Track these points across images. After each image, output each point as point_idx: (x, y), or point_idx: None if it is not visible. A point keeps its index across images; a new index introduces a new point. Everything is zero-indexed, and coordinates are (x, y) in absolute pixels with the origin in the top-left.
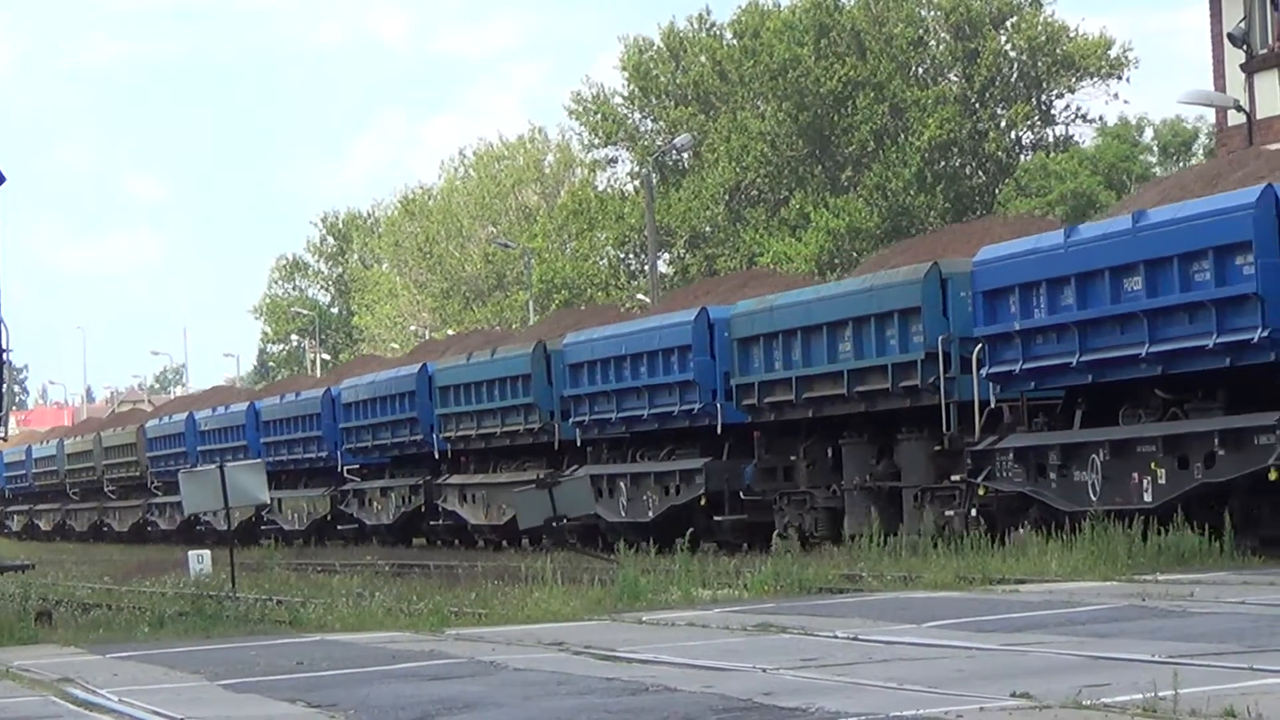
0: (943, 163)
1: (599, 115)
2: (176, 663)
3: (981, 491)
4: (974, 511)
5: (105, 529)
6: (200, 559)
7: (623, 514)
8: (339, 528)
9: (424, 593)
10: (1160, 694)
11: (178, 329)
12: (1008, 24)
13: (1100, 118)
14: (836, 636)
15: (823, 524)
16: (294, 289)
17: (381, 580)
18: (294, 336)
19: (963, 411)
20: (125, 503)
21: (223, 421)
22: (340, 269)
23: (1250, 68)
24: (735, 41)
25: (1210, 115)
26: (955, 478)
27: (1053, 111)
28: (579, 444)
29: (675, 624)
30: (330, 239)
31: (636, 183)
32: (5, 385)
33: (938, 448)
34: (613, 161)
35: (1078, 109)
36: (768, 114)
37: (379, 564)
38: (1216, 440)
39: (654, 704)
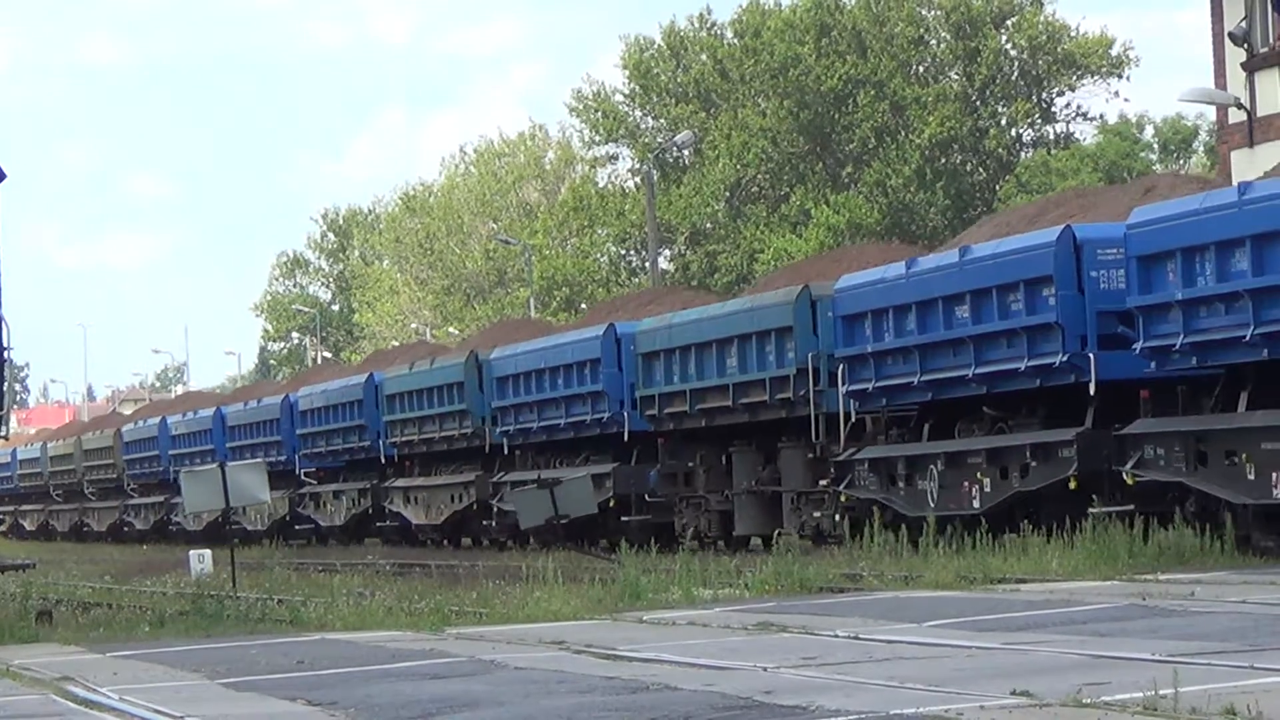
0: (943, 160)
1: (599, 113)
2: (177, 661)
3: (843, 498)
4: (837, 515)
5: (85, 529)
6: (201, 559)
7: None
8: (296, 528)
9: (424, 592)
10: (1161, 692)
11: (179, 327)
12: (1008, 23)
13: (1101, 116)
14: (837, 635)
15: (716, 525)
16: (295, 286)
17: (382, 579)
18: (295, 334)
19: (832, 422)
20: (104, 504)
21: (192, 426)
22: (341, 266)
23: (1251, 66)
24: (736, 41)
25: (1211, 113)
26: (823, 483)
27: (1053, 109)
28: (506, 450)
29: (676, 623)
30: (331, 235)
31: (637, 179)
32: (6, 384)
33: (811, 456)
34: (613, 158)
35: (1078, 107)
36: (768, 111)
37: (380, 563)
38: (1028, 453)
39: (654, 702)
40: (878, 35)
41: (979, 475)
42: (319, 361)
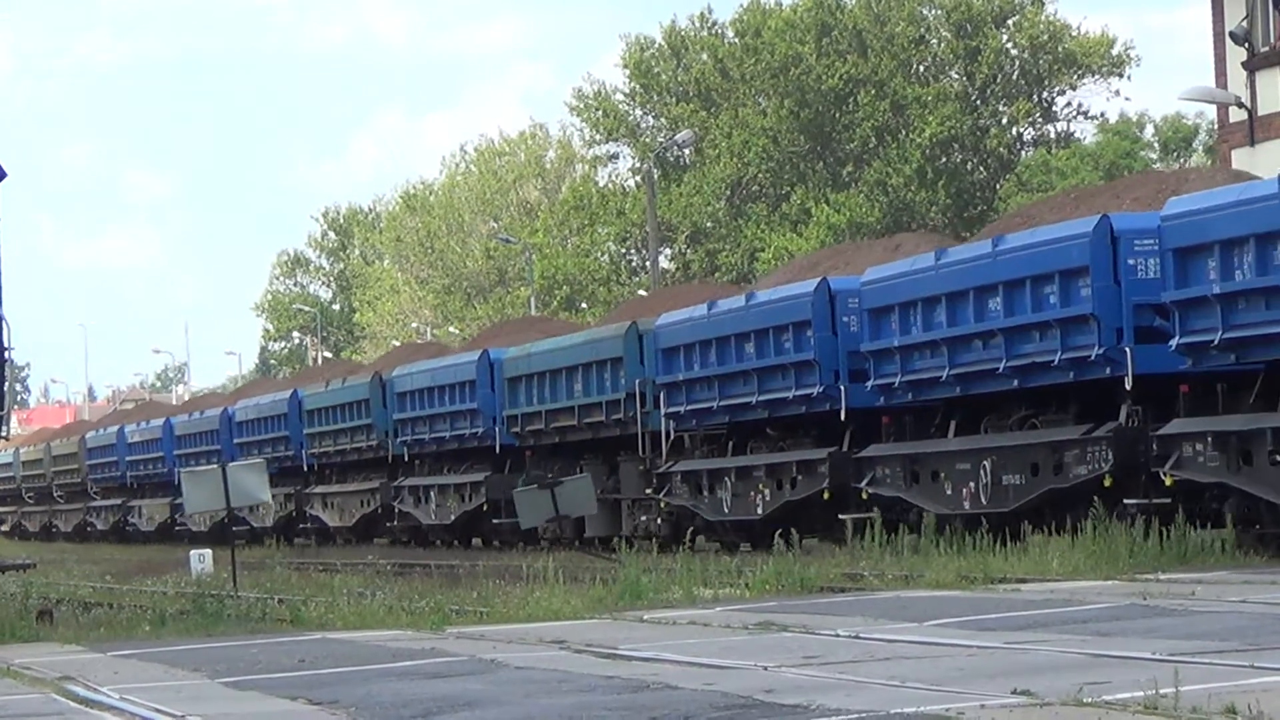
0: (944, 159)
1: (600, 112)
2: (178, 661)
3: (663, 505)
4: (660, 520)
5: (54, 530)
6: (201, 558)
7: (432, 517)
8: (235, 529)
9: (425, 591)
10: (1161, 692)
11: (179, 326)
12: (1009, 22)
13: (1101, 114)
14: (838, 635)
15: (569, 528)
16: (295, 285)
17: (383, 579)
18: (296, 333)
19: (657, 439)
20: (70, 506)
21: (145, 434)
22: (342, 265)
23: (1252, 65)
24: (737, 40)
25: (1211, 112)
26: (649, 491)
27: (1054, 108)
28: (406, 459)
29: (676, 622)
30: (332, 234)
31: (638, 178)
32: (7, 384)
33: (642, 468)
34: (614, 157)
35: (1079, 106)
36: (769, 110)
37: (380, 563)
38: (795, 468)
39: (655, 702)
40: (878, 34)
41: (760, 486)
42: (319, 361)
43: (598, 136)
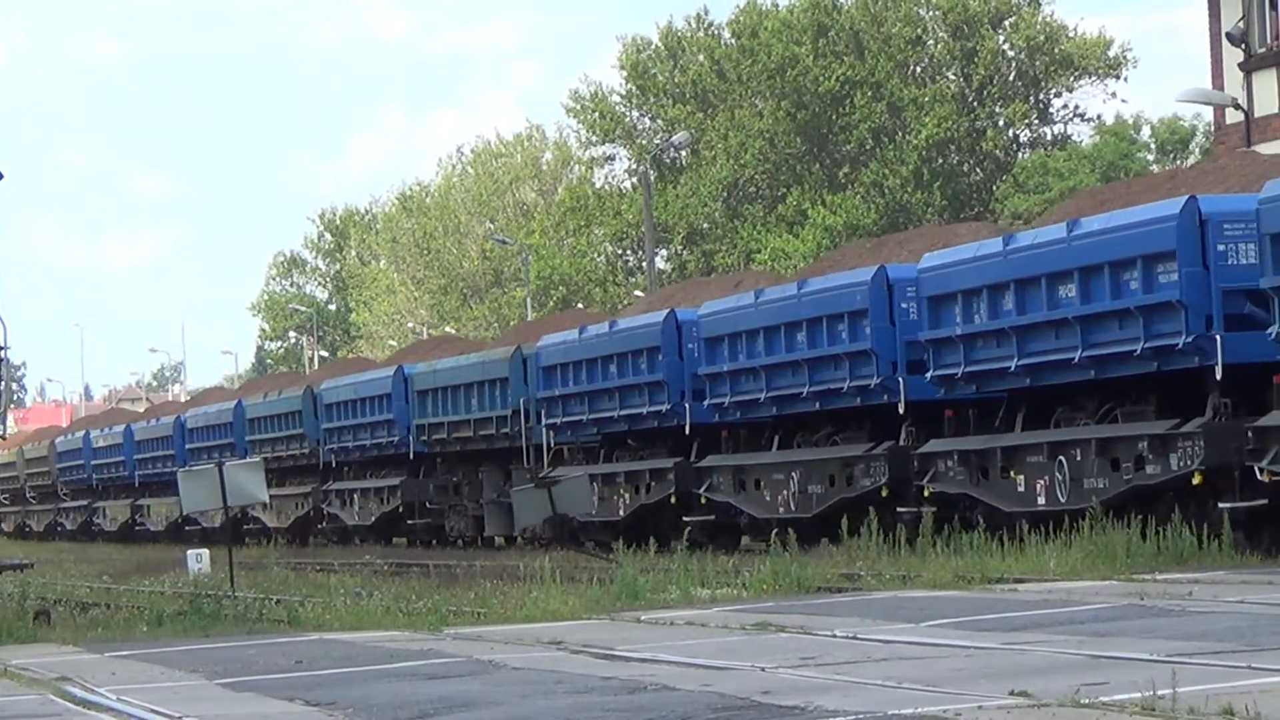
0: (940, 160)
1: (597, 113)
2: (175, 661)
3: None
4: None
5: (27, 529)
6: (199, 558)
7: (356, 519)
8: (186, 528)
9: (422, 592)
10: (1159, 693)
11: (176, 326)
12: (1006, 24)
13: (1098, 116)
14: (835, 635)
15: (471, 527)
16: (292, 286)
17: (380, 580)
18: (292, 333)
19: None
20: (42, 507)
21: (109, 439)
22: (338, 266)
23: (1248, 66)
24: (733, 41)
25: (1208, 114)
26: None
27: (1050, 110)
28: (334, 465)
29: (674, 623)
30: (328, 235)
31: (634, 180)
32: (3, 383)
33: (529, 476)
34: (610, 159)
35: (1075, 108)
36: (765, 112)
37: (377, 563)
38: (648, 475)
39: (652, 703)
40: (875, 36)
41: (621, 490)
42: (316, 362)
43: (594, 138)
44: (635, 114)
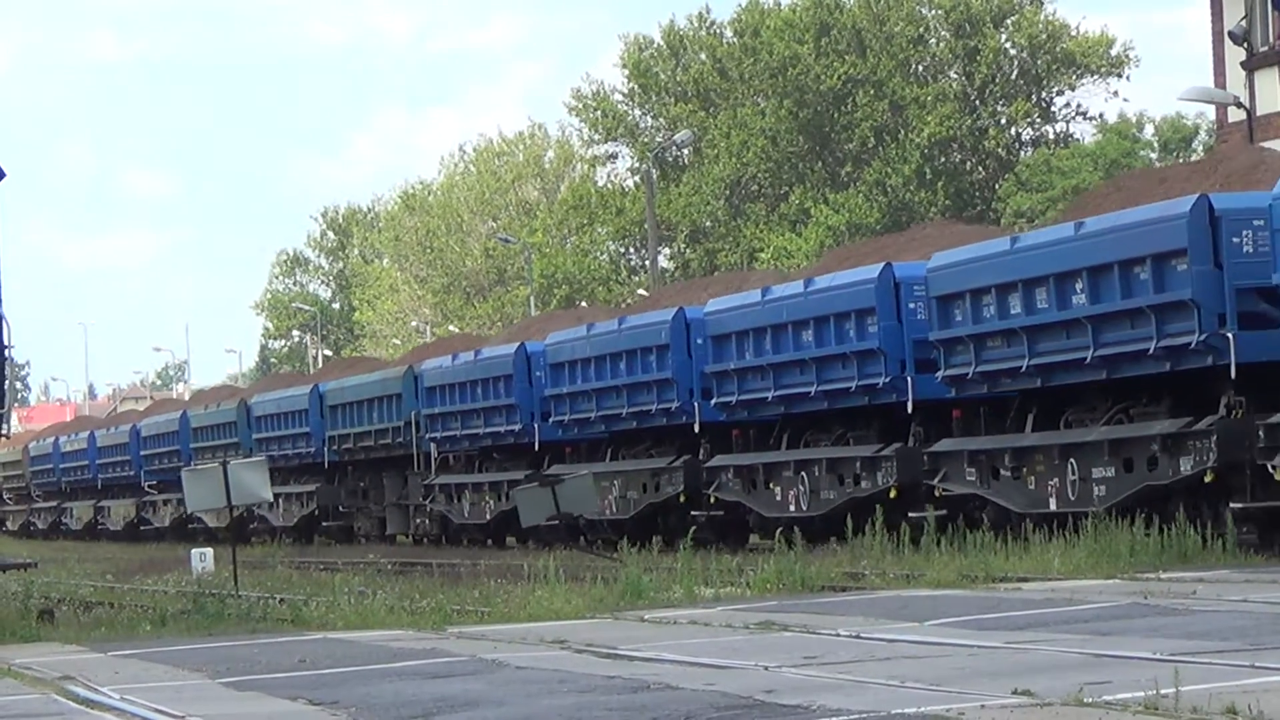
0: (943, 159)
1: (599, 112)
2: (178, 660)
3: (429, 509)
4: (428, 520)
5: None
6: (203, 557)
7: (280, 520)
8: (141, 529)
9: (426, 591)
10: (1162, 692)
11: (180, 325)
12: (1008, 22)
13: (1100, 115)
14: (839, 634)
15: (375, 528)
16: (295, 284)
17: (384, 578)
18: (296, 332)
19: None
20: (16, 507)
21: (75, 444)
22: (341, 264)
23: (1251, 65)
24: (735, 40)
25: (1211, 112)
26: (424, 500)
27: (1053, 109)
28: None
29: (677, 622)
30: (331, 234)
31: (636, 178)
32: (7, 382)
33: (422, 481)
34: (613, 157)
35: (1078, 106)
36: (768, 110)
37: (381, 562)
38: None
39: (655, 702)
40: (877, 34)
41: (485, 499)
42: (320, 361)
43: (596, 136)
44: (637, 112)
